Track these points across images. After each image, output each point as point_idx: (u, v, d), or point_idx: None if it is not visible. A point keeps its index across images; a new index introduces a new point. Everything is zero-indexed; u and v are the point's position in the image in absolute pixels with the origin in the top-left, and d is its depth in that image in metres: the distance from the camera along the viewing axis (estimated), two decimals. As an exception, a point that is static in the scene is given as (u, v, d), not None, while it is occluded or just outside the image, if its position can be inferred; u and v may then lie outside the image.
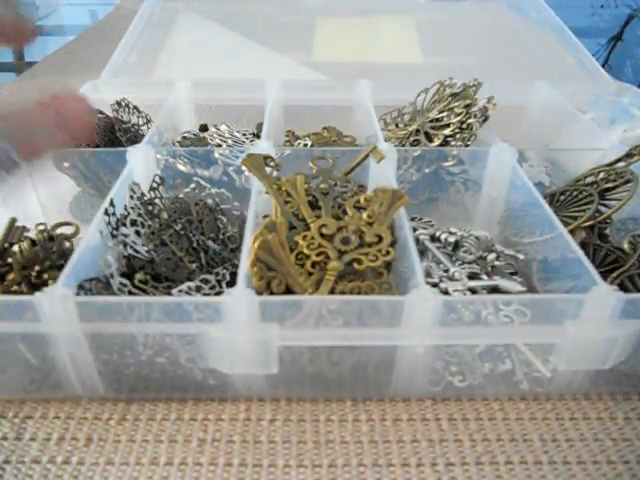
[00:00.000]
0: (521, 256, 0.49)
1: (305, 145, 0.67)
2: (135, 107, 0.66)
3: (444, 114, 0.60)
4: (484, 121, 0.59)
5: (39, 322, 0.37)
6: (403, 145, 0.63)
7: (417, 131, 0.62)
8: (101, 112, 0.63)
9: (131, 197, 0.48)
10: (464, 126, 0.59)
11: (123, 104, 0.65)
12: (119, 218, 0.45)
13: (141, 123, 0.67)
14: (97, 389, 0.41)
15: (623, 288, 0.43)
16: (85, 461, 0.38)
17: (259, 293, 0.38)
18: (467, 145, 0.58)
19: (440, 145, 0.59)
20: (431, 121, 0.62)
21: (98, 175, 0.58)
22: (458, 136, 0.59)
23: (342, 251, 0.41)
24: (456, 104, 0.60)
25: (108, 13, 1.41)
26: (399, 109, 0.68)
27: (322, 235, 0.42)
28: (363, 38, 0.98)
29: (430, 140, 0.60)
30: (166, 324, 0.38)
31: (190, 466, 0.38)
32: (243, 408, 0.42)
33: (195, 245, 0.47)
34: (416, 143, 0.62)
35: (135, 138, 0.63)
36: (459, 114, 0.59)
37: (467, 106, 0.59)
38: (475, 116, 0.59)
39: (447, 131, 0.59)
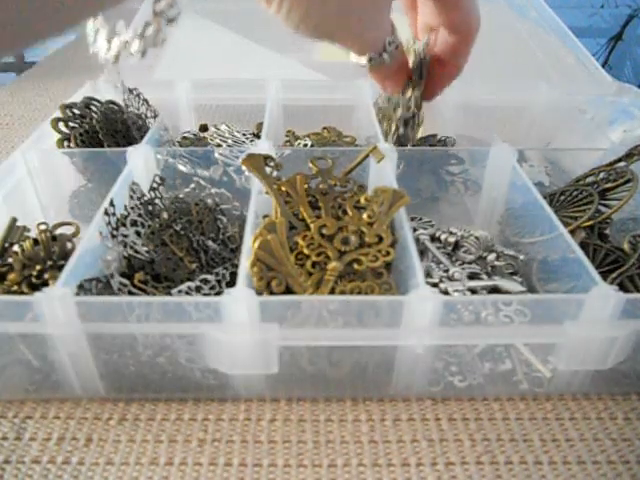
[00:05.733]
0: (521, 256, 0.49)
1: (305, 145, 0.67)
2: (145, 100, 0.67)
3: None
4: None
5: (39, 322, 0.37)
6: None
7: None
8: (113, 102, 0.64)
9: (131, 197, 0.48)
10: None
11: (135, 93, 0.65)
12: (119, 218, 0.45)
13: (149, 115, 0.67)
14: (97, 389, 0.41)
15: (623, 288, 0.43)
16: (85, 461, 0.38)
17: (259, 293, 0.38)
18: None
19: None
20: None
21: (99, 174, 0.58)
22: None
23: (342, 251, 0.41)
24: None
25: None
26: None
27: (322, 235, 0.42)
28: (363, 38, 0.98)
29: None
30: (166, 324, 0.38)
31: (190, 466, 0.38)
32: (243, 408, 0.42)
33: (195, 245, 0.47)
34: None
35: (141, 128, 0.64)
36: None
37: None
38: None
39: None
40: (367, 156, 0.52)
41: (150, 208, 0.48)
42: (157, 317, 0.37)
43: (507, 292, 0.45)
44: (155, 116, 0.68)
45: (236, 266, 0.44)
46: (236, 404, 0.42)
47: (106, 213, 0.44)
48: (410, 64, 0.49)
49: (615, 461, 0.38)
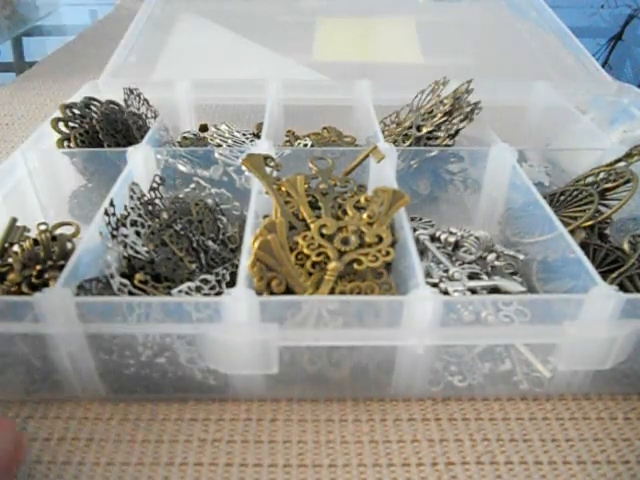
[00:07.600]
0: (521, 256, 0.49)
1: (305, 145, 0.67)
2: (145, 100, 0.67)
3: (433, 104, 0.61)
4: (467, 120, 0.59)
5: (39, 322, 0.37)
6: (396, 142, 0.63)
7: (410, 127, 0.63)
8: (113, 102, 0.64)
9: (131, 197, 0.48)
10: (448, 117, 0.59)
11: (135, 93, 0.65)
12: (119, 218, 0.45)
13: (149, 115, 0.67)
14: (97, 389, 0.41)
15: (623, 288, 0.43)
16: (86, 461, 0.38)
17: (259, 293, 0.38)
18: (451, 135, 0.59)
19: (428, 138, 0.59)
20: (423, 115, 0.62)
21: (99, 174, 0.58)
22: (443, 127, 0.59)
23: (342, 251, 0.41)
24: (445, 95, 0.60)
25: (108, 13, 1.41)
26: (397, 111, 0.68)
27: (322, 235, 0.42)
28: (363, 38, 0.98)
29: (419, 131, 0.61)
30: (166, 324, 0.38)
31: (191, 466, 0.38)
32: (243, 408, 0.42)
33: (195, 245, 0.47)
34: (407, 137, 0.62)
35: (141, 128, 0.64)
36: (445, 104, 0.59)
37: (457, 99, 0.59)
38: (461, 107, 0.59)
39: (435, 119, 0.59)
40: (367, 156, 0.53)
41: (150, 208, 0.48)
42: (157, 317, 0.37)
43: (507, 292, 0.45)
44: (155, 116, 0.68)
45: (236, 266, 0.44)
46: (237, 404, 0.42)
47: (106, 213, 0.44)
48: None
49: (615, 461, 0.38)
